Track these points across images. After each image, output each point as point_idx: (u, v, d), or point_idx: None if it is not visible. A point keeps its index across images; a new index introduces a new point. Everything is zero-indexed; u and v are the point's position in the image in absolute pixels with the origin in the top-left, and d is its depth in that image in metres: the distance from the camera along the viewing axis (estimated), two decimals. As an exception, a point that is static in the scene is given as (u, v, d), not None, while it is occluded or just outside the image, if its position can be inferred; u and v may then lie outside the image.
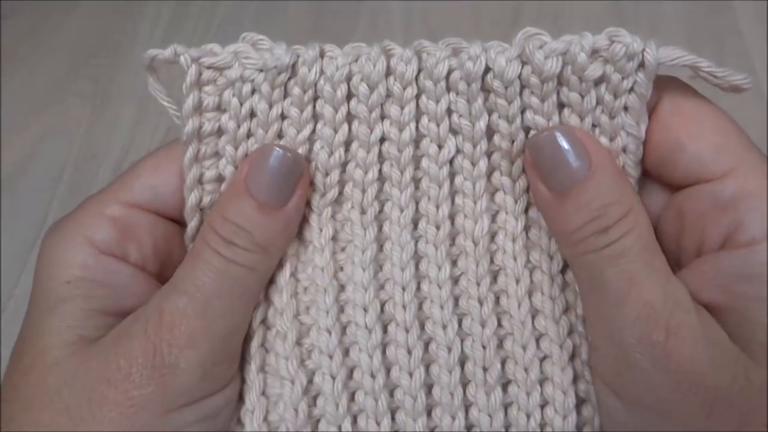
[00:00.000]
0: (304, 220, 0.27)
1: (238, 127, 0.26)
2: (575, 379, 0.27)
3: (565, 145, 0.24)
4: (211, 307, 0.25)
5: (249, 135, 0.27)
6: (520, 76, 0.25)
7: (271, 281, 0.28)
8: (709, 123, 0.25)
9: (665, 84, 0.26)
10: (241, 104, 0.26)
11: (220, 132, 0.27)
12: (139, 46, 0.70)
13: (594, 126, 0.26)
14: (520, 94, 0.26)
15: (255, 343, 0.27)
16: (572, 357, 0.27)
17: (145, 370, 0.24)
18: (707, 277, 0.24)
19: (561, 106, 0.26)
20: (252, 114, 0.26)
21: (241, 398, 0.27)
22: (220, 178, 0.27)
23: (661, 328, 0.23)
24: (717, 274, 0.24)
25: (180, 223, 0.28)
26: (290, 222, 0.27)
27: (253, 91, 0.26)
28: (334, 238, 0.28)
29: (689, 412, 0.23)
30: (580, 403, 0.27)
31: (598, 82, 0.25)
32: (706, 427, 0.23)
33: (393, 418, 0.27)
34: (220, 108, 0.26)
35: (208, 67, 0.26)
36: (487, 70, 0.25)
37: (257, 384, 0.27)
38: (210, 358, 0.25)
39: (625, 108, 0.25)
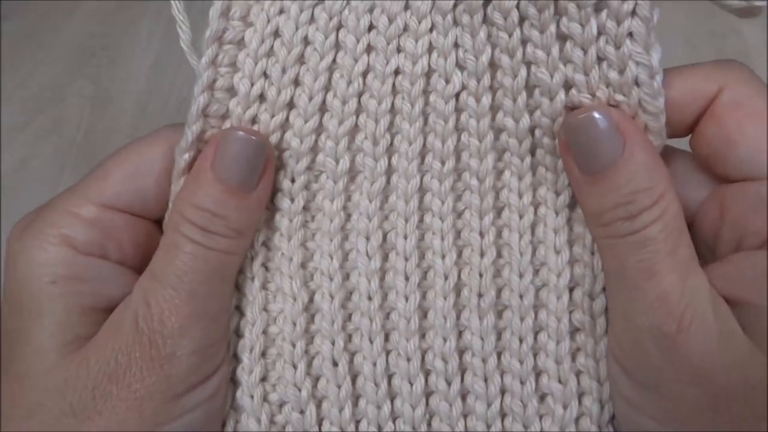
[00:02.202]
0: (319, 149, 0.28)
1: (262, 41, 0.27)
2: (572, 308, 0.28)
3: (600, 128, 0.24)
4: (196, 295, 0.25)
5: (270, 54, 0.27)
6: (518, 7, 0.26)
7: (277, 208, 0.29)
8: (765, 121, 0.24)
9: (730, 72, 0.25)
10: (269, 20, 0.27)
11: (241, 44, 0.27)
12: (139, 47, 0.70)
13: (600, 59, 0.25)
14: (520, 25, 0.26)
15: (257, 263, 0.29)
16: (572, 287, 0.28)
17: (143, 362, 0.24)
18: (736, 272, 0.24)
19: (563, 39, 0.26)
20: (276, 34, 0.27)
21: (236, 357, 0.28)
22: (231, 90, 0.27)
23: (673, 319, 0.23)
24: (747, 270, 0.24)
25: (158, 223, 0.28)
26: (261, 204, 0.27)
27: (281, 11, 0.27)
28: (349, 169, 0.28)
29: (693, 403, 0.23)
30: (574, 330, 0.28)
31: (597, 9, 0.25)
32: (709, 419, 0.23)
33: (387, 339, 0.28)
34: (246, 21, 0.27)
35: None
36: (489, 2, 0.26)
37: (259, 299, 0.28)
38: (203, 343, 0.25)
39: (630, 35, 0.25)
